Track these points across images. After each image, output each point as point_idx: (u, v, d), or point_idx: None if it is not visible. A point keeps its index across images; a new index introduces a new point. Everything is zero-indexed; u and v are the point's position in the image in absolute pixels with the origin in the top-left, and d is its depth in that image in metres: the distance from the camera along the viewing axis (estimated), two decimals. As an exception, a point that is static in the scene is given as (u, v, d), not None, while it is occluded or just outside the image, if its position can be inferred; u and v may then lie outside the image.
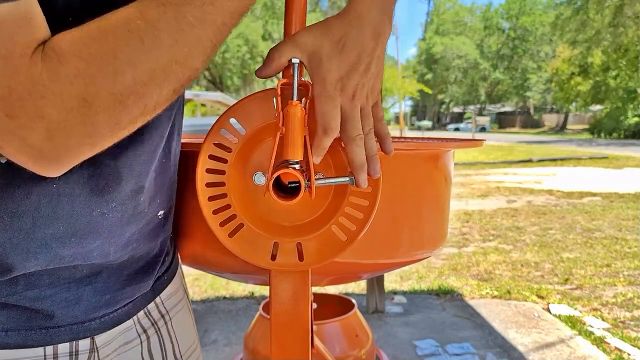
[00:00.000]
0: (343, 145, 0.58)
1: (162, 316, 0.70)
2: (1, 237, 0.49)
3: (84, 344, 0.58)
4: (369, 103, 0.57)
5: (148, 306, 0.67)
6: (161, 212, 0.64)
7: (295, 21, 0.61)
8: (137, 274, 0.64)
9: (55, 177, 0.49)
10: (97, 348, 0.60)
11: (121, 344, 0.63)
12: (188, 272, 3.99)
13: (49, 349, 0.56)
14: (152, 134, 0.56)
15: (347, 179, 0.59)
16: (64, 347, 0.57)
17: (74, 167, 0.48)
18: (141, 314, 0.66)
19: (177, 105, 0.64)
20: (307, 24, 0.60)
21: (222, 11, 0.43)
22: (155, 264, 0.67)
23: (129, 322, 0.64)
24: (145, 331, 0.67)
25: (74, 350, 0.57)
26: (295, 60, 0.56)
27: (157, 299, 0.69)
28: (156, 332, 0.68)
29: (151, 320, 0.68)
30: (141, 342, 0.66)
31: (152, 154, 0.57)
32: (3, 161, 0.44)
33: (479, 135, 29.31)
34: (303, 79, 0.58)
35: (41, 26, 0.38)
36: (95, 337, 0.59)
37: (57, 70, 0.38)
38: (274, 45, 0.57)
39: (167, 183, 0.64)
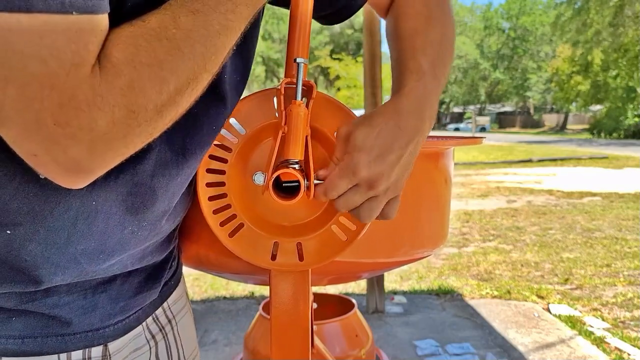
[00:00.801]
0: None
1: (169, 321, 0.70)
2: (34, 250, 0.48)
3: (96, 351, 0.58)
4: (385, 196, 0.58)
5: (156, 312, 0.68)
6: (175, 227, 0.65)
7: (298, 40, 0.60)
8: (148, 281, 0.64)
9: (95, 194, 0.48)
10: (109, 355, 0.60)
11: (132, 351, 0.63)
12: (188, 272, 3.98)
13: (63, 356, 0.55)
14: (196, 157, 0.56)
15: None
16: (77, 355, 0.56)
17: (113, 184, 0.48)
18: (149, 320, 0.66)
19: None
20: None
21: (241, 18, 0.43)
22: (163, 270, 0.67)
23: (139, 329, 0.64)
24: (153, 337, 0.67)
25: (86, 357, 0.57)
26: (300, 60, 0.56)
27: (165, 304, 0.70)
28: (164, 337, 0.68)
29: (159, 326, 0.68)
30: (150, 348, 0.66)
31: (189, 176, 0.58)
32: (43, 175, 0.44)
33: (479, 135, 29.22)
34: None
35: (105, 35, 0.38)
36: (108, 344, 0.59)
37: (113, 81, 0.37)
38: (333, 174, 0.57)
39: (187, 201, 0.65)
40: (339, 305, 2.15)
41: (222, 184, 0.62)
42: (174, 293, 0.72)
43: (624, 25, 25.53)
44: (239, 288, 3.63)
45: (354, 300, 2.13)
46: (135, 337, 0.64)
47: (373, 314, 3.07)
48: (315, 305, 1.45)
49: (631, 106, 26.48)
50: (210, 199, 0.62)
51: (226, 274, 0.91)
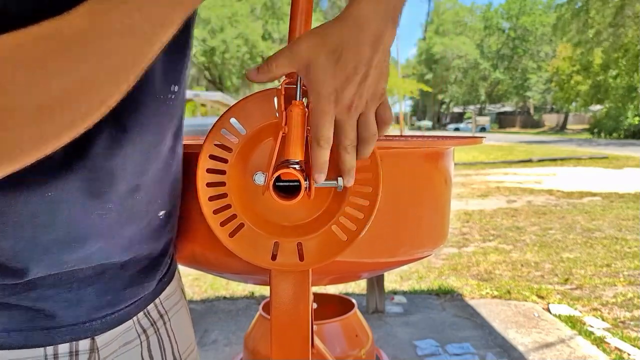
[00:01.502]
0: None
1: (161, 316, 0.70)
2: (5, 245, 0.49)
3: (84, 344, 0.58)
4: (371, 109, 0.56)
5: (147, 307, 0.68)
6: (162, 213, 0.64)
7: (300, 24, 0.61)
8: (140, 275, 0.64)
9: (50, 186, 0.49)
10: (97, 348, 0.60)
11: (121, 345, 0.63)
12: (188, 272, 3.99)
13: (50, 349, 0.56)
14: (142, 135, 0.55)
15: (334, 182, 0.59)
16: (64, 347, 0.57)
17: (67, 173, 0.48)
18: (141, 314, 0.66)
19: (182, 106, 0.64)
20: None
21: (151, 19, 0.41)
22: (158, 265, 0.67)
23: (129, 323, 0.64)
24: (145, 331, 0.67)
25: (74, 350, 0.57)
26: None
27: (157, 300, 0.70)
28: (155, 332, 0.68)
29: (150, 320, 0.68)
30: (141, 343, 0.66)
31: (147, 154, 0.57)
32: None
33: (479, 135, 29.21)
34: None
35: None
36: (96, 337, 0.59)
37: None
38: (274, 53, 0.56)
39: (169, 183, 0.64)
40: (339, 305, 2.15)
41: (222, 184, 0.62)
42: (167, 288, 0.72)
43: (624, 25, 25.53)
44: (239, 288, 3.63)
45: (354, 300, 2.13)
46: (125, 331, 0.64)
47: (373, 314, 3.07)
48: (315, 305, 1.45)
49: (631, 106, 26.47)
50: (211, 199, 0.62)
51: (226, 274, 0.91)
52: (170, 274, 0.73)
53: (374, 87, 0.54)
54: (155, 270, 0.66)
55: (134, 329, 0.65)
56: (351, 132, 0.56)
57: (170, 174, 0.64)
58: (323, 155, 0.55)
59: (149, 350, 0.67)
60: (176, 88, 0.59)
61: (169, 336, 0.70)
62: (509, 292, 3.49)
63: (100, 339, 0.60)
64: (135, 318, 0.65)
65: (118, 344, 0.63)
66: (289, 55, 0.54)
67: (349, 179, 0.58)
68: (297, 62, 0.54)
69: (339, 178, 0.59)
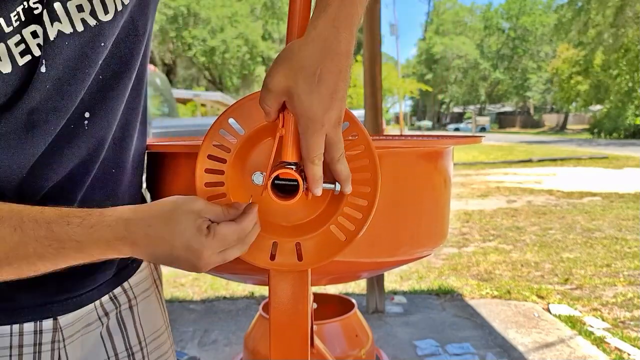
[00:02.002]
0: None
1: (129, 300, 0.75)
2: None
3: (47, 323, 0.63)
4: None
5: (114, 291, 0.72)
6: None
7: (298, 25, 0.60)
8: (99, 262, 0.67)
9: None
10: (60, 328, 0.65)
11: (84, 325, 0.68)
12: (188, 272, 3.98)
13: (15, 327, 0.61)
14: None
15: (332, 185, 0.59)
16: (28, 326, 0.62)
17: None
18: (105, 298, 0.71)
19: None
20: None
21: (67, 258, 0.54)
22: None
23: (91, 306, 0.69)
24: (107, 314, 0.71)
25: (38, 329, 0.63)
26: None
27: (126, 285, 0.74)
28: (117, 314, 0.73)
29: (115, 304, 0.73)
30: (102, 325, 0.71)
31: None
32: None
33: (478, 134, 29.14)
34: None
35: None
36: (58, 317, 0.64)
37: None
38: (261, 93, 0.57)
39: (115, 180, 0.69)
40: (339, 305, 2.15)
41: (220, 184, 0.62)
42: (135, 276, 0.76)
43: (624, 26, 25.52)
44: (239, 288, 3.63)
45: (354, 300, 2.13)
46: (87, 314, 0.69)
47: (373, 314, 3.06)
48: (315, 305, 1.45)
49: (631, 106, 26.46)
50: (209, 198, 0.62)
51: (224, 274, 0.91)
52: (138, 261, 0.77)
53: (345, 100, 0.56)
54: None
55: (94, 313, 0.70)
56: (341, 144, 0.57)
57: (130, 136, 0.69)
58: (318, 172, 0.56)
59: (108, 330, 0.72)
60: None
61: (133, 320, 0.75)
62: (509, 292, 3.49)
63: (62, 319, 0.65)
64: (98, 302, 0.70)
65: (81, 324, 0.68)
66: (269, 92, 0.55)
67: (348, 185, 0.59)
68: (279, 95, 0.55)
69: (336, 182, 0.59)
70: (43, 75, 0.54)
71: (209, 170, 0.62)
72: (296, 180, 0.56)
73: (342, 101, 0.54)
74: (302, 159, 0.56)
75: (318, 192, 0.58)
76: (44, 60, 0.54)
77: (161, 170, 0.83)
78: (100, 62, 0.59)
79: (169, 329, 0.84)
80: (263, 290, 3.52)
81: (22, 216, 0.52)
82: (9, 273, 0.53)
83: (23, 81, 0.54)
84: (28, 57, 0.53)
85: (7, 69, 0.52)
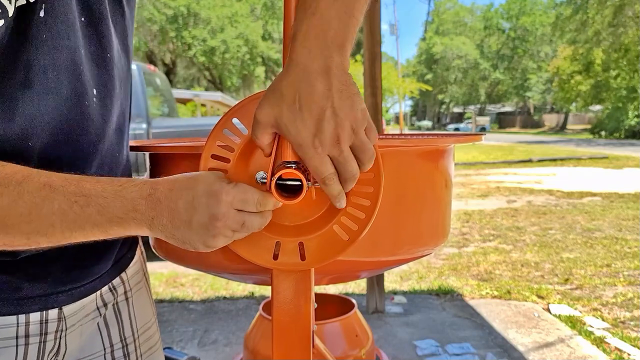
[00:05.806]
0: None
1: (125, 292, 0.77)
2: None
3: (53, 313, 0.64)
4: (360, 132, 0.55)
5: (113, 281, 0.74)
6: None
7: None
8: (100, 249, 0.68)
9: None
10: (64, 317, 0.66)
11: (84, 315, 0.70)
12: (188, 272, 3.98)
13: (22, 318, 0.62)
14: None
15: None
16: (35, 316, 0.63)
17: None
18: (105, 288, 0.73)
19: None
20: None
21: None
22: (112, 243, 0.72)
23: (92, 296, 0.70)
24: (105, 304, 0.73)
25: (44, 319, 0.63)
26: None
27: (123, 275, 0.77)
28: (114, 305, 0.75)
29: (114, 294, 0.75)
30: (100, 315, 0.73)
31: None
32: None
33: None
34: None
35: None
36: (63, 307, 0.65)
37: None
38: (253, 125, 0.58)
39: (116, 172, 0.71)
40: (339, 305, 2.15)
41: (224, 183, 0.62)
42: (131, 268, 0.79)
43: (624, 25, 25.51)
44: (239, 288, 3.63)
45: (354, 300, 2.13)
46: (89, 303, 0.70)
47: (373, 314, 3.07)
48: (315, 305, 1.45)
49: (632, 106, 26.45)
50: (212, 198, 0.62)
51: (225, 274, 0.91)
52: (132, 253, 0.79)
53: (352, 113, 0.54)
54: (112, 247, 0.72)
55: (94, 303, 0.71)
56: (349, 165, 0.55)
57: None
58: (335, 189, 0.57)
59: (105, 320, 0.74)
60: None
61: (128, 311, 0.77)
62: (509, 292, 3.49)
63: (67, 309, 0.66)
64: (99, 292, 0.71)
65: (82, 314, 0.69)
66: (259, 124, 0.56)
67: (343, 199, 0.60)
68: (268, 126, 0.56)
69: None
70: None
71: (213, 170, 0.62)
72: (299, 180, 0.57)
73: (336, 119, 0.53)
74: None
75: (342, 205, 0.59)
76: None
77: (163, 170, 0.83)
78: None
79: (157, 322, 0.87)
80: (263, 290, 3.52)
81: (52, 174, 0.54)
82: (21, 236, 0.52)
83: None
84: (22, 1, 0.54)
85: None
